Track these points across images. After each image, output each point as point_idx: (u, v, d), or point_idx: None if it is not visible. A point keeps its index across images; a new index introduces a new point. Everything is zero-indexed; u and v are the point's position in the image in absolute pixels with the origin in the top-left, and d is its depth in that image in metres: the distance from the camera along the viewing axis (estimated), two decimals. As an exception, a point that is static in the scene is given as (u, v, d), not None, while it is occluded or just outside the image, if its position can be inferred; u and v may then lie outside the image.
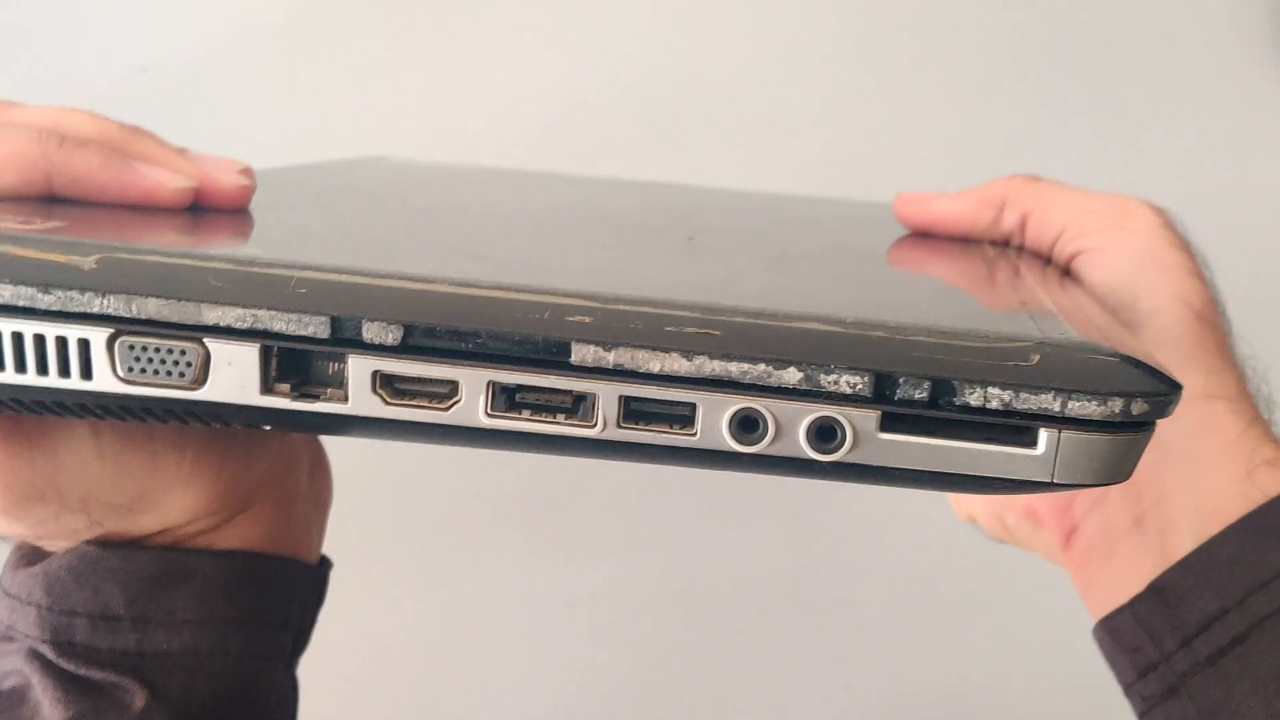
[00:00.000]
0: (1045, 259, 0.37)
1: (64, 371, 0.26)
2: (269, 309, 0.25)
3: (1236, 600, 0.33)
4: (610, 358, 0.25)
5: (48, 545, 0.33)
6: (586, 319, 0.25)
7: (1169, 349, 0.35)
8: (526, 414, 0.26)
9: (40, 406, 0.26)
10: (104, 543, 0.33)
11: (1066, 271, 0.37)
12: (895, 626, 0.76)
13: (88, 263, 0.25)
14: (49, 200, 0.30)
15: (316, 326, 0.25)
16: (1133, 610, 0.35)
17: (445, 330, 0.25)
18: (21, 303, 0.25)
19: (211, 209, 0.32)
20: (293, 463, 0.37)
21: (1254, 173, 0.72)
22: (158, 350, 0.25)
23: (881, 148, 0.71)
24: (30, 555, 0.33)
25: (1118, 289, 0.36)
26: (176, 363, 0.25)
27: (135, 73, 0.68)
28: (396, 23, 0.70)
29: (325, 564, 0.39)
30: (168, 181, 0.31)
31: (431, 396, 0.26)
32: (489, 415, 0.25)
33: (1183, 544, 0.34)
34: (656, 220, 0.39)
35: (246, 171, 0.33)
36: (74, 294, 0.25)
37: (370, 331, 0.25)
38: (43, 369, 0.26)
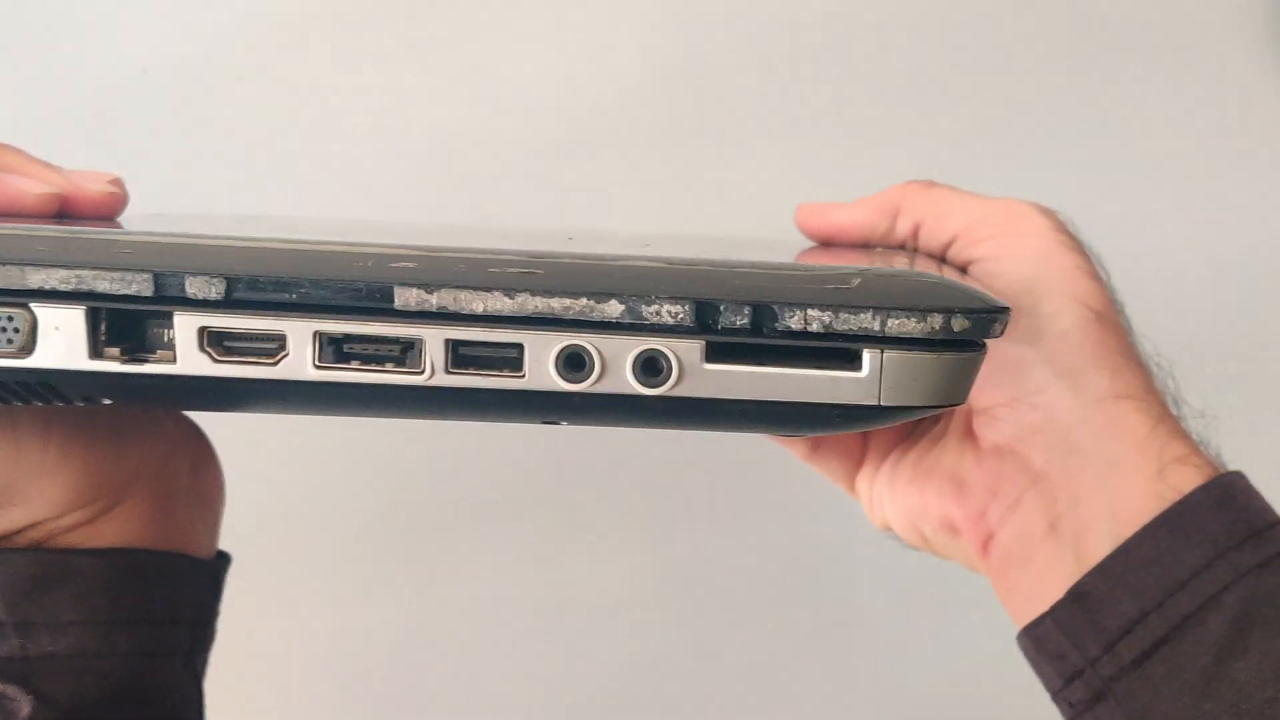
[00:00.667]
0: (939, 264, 0.38)
1: None
2: (92, 269, 0.25)
3: (1156, 603, 0.33)
4: (434, 299, 0.25)
5: None
6: (410, 264, 0.25)
7: (1071, 352, 0.35)
8: (355, 364, 0.25)
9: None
10: None
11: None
12: (898, 626, 0.76)
13: None
14: None
15: (140, 284, 0.25)
16: (1054, 617, 0.35)
17: (269, 281, 0.25)
18: None
19: (80, 217, 0.32)
20: (169, 455, 0.36)
21: (1254, 173, 0.72)
22: None
23: (882, 148, 0.71)
24: None
25: (1016, 295, 0.36)
26: (3, 329, 0.25)
27: (135, 73, 0.68)
28: (398, 22, 0.69)
29: (222, 558, 0.38)
30: (31, 188, 0.31)
31: (260, 353, 0.25)
32: (317, 366, 0.25)
33: (1099, 547, 0.34)
34: (538, 230, 0.39)
35: (116, 182, 0.33)
36: None
37: (194, 286, 0.25)
38: None
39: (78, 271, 0.25)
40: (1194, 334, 0.69)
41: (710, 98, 0.71)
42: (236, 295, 0.25)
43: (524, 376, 0.25)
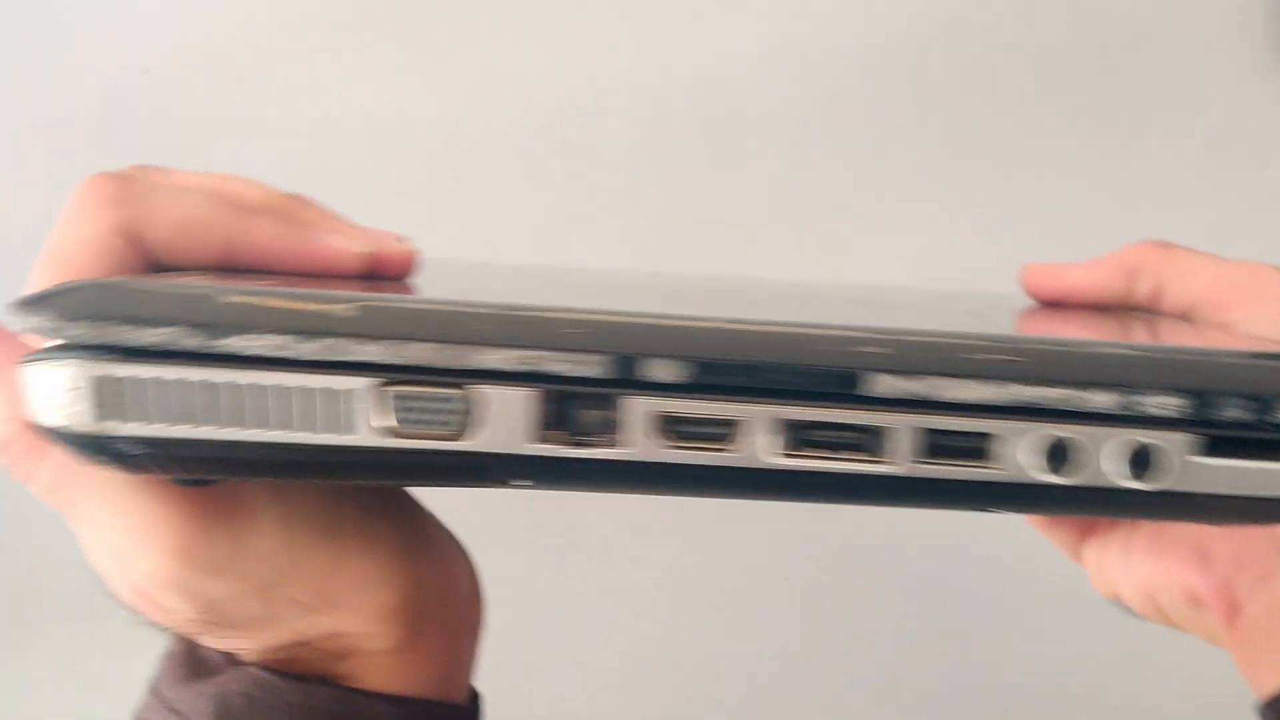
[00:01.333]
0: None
1: (327, 424, 0.24)
2: (544, 349, 0.23)
3: None
4: (909, 386, 0.23)
5: (211, 639, 0.30)
6: (880, 349, 0.23)
7: None
8: (815, 452, 0.24)
9: (294, 468, 0.25)
10: (283, 671, 0.31)
11: None
12: (901, 629, 0.76)
13: (347, 309, 0.23)
14: (223, 270, 0.29)
15: (597, 367, 0.23)
16: None
17: (732, 365, 0.24)
18: (280, 354, 0.23)
19: (381, 276, 0.31)
20: (458, 580, 0.34)
21: (1254, 173, 0.72)
22: (423, 398, 0.24)
23: (882, 149, 0.71)
24: (194, 666, 0.31)
25: None
26: (442, 411, 0.24)
27: (136, 73, 0.68)
28: (398, 22, 0.69)
29: (476, 703, 0.36)
30: (350, 247, 0.30)
31: (714, 438, 0.24)
32: (778, 455, 0.24)
33: None
34: (796, 293, 0.38)
35: (405, 239, 0.32)
36: (337, 341, 0.23)
37: (653, 369, 0.24)
38: (304, 423, 0.24)
39: (530, 353, 0.24)
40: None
41: (710, 98, 0.71)
42: (696, 379, 0.24)
43: (1001, 468, 0.24)
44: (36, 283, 0.28)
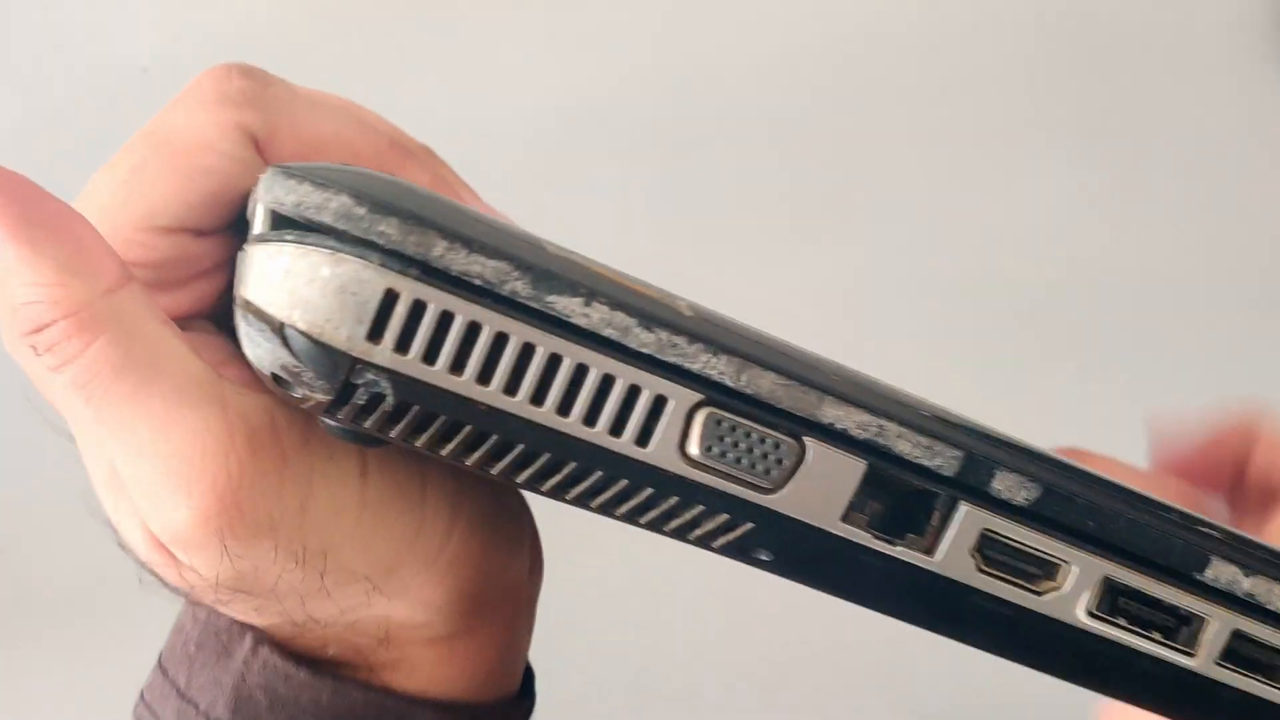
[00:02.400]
0: None
1: (615, 428, 0.20)
2: (901, 424, 0.21)
3: None
4: (1246, 584, 0.22)
5: (237, 609, 0.25)
6: (1220, 537, 0.22)
7: None
8: (1123, 622, 0.22)
9: (550, 465, 0.21)
10: (311, 659, 0.26)
11: None
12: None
13: (688, 309, 0.20)
14: None
15: (945, 460, 0.21)
16: None
17: (1082, 504, 0.21)
18: (612, 334, 0.20)
19: None
20: (523, 561, 0.29)
21: (1254, 173, 0.72)
22: (749, 435, 0.20)
23: (882, 150, 0.71)
24: (210, 642, 0.27)
25: None
26: (765, 456, 0.20)
27: (135, 73, 0.68)
28: (398, 22, 0.69)
29: (528, 688, 0.31)
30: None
31: (1028, 575, 0.22)
32: (1090, 614, 0.22)
33: None
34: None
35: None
36: (678, 340, 0.20)
37: (1002, 483, 0.21)
38: (590, 418, 0.20)
39: (883, 422, 0.21)
40: (1194, 334, 0.69)
41: (710, 99, 0.71)
42: (1040, 508, 0.21)
43: None
44: (121, 163, 0.25)
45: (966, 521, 0.21)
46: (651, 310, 0.20)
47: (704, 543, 0.21)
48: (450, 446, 0.20)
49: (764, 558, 0.22)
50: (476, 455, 0.20)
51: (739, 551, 0.21)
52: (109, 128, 0.71)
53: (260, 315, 0.20)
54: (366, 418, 0.20)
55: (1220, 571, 0.22)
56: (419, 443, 0.20)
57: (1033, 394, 0.66)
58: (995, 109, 0.72)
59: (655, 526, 0.21)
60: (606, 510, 0.21)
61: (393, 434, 0.20)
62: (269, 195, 0.20)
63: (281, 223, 0.20)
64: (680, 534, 0.21)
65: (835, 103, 0.71)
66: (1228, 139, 0.72)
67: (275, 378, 0.20)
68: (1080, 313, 0.69)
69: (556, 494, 0.21)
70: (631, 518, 0.21)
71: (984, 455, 0.21)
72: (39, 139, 0.67)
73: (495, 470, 0.21)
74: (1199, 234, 0.71)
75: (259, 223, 0.21)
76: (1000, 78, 0.72)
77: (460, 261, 0.19)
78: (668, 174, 0.70)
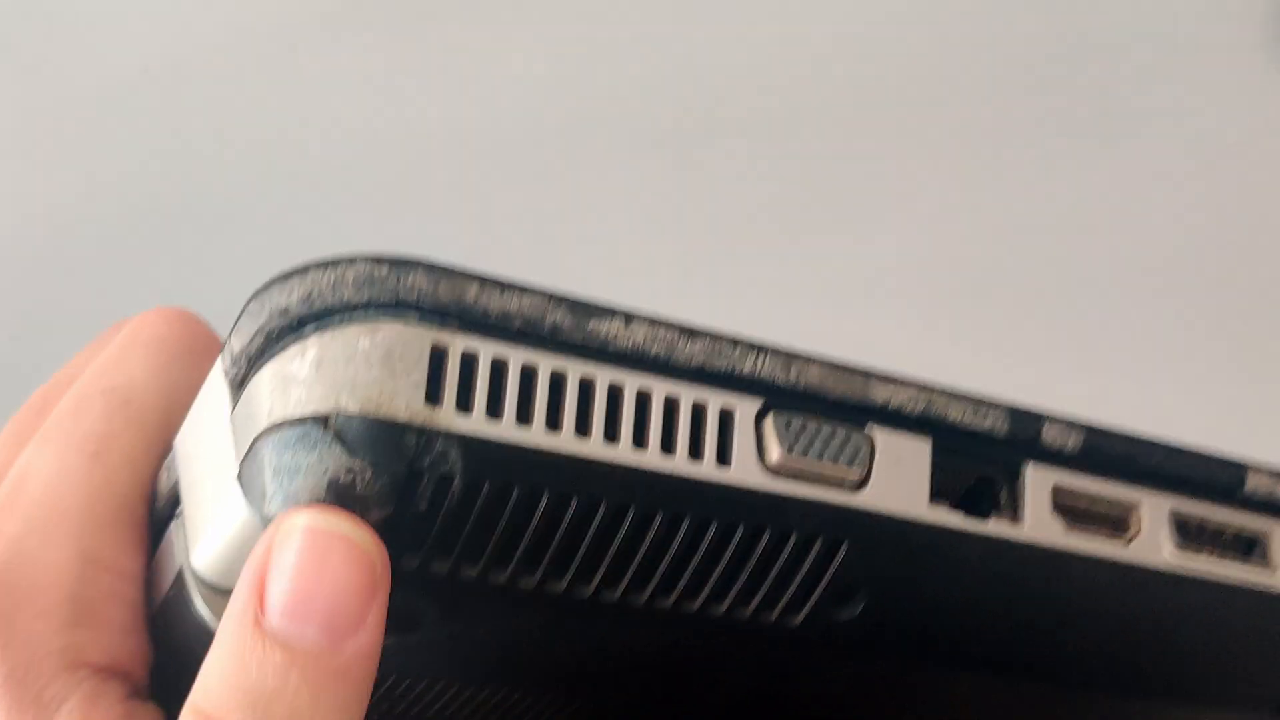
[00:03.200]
0: None
1: (694, 451, 0.18)
2: (942, 393, 0.20)
3: None
4: None
5: None
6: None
7: None
8: (1206, 552, 0.21)
9: (649, 509, 0.18)
10: None
11: None
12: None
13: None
14: None
15: (996, 420, 0.20)
16: None
17: (1123, 442, 0.20)
18: (660, 351, 0.18)
19: None
20: None
21: (1254, 173, 0.72)
22: (819, 431, 0.19)
23: (882, 149, 0.71)
24: None
25: None
26: (842, 449, 0.19)
27: (135, 73, 0.68)
28: (398, 22, 0.69)
29: None
30: None
31: (1106, 524, 0.21)
32: (1175, 550, 0.21)
33: None
34: None
35: None
36: (722, 346, 0.19)
37: (1051, 433, 0.20)
38: (667, 445, 0.18)
39: (929, 394, 0.20)
40: (1194, 334, 0.69)
41: (713, 98, 0.71)
42: (1089, 452, 0.20)
43: None
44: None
45: (1036, 481, 0.20)
46: (683, 323, 0.19)
47: (793, 607, 0.19)
48: (525, 543, 0.18)
49: (852, 606, 0.19)
50: (555, 548, 0.18)
51: (829, 603, 0.19)
52: (108, 128, 0.71)
53: (298, 424, 0.17)
54: (433, 519, 0.17)
55: (1258, 483, 0.21)
56: (487, 554, 0.18)
57: (1031, 395, 0.66)
58: (994, 108, 0.72)
59: (742, 597, 0.19)
60: (687, 593, 0.19)
61: (459, 545, 0.18)
62: (263, 315, 0.18)
63: (288, 332, 0.18)
64: (769, 600, 0.19)
65: (835, 102, 0.71)
66: (1227, 139, 0.72)
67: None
68: (1079, 312, 0.69)
69: (635, 589, 0.19)
70: (717, 589, 0.19)
71: (1024, 409, 0.20)
72: (39, 139, 0.67)
73: (573, 568, 0.18)
74: (1199, 234, 0.71)
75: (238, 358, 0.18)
76: (999, 77, 0.72)
77: (497, 303, 0.18)
78: (669, 174, 0.70)
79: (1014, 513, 0.20)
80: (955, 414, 0.20)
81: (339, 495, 0.17)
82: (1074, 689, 0.22)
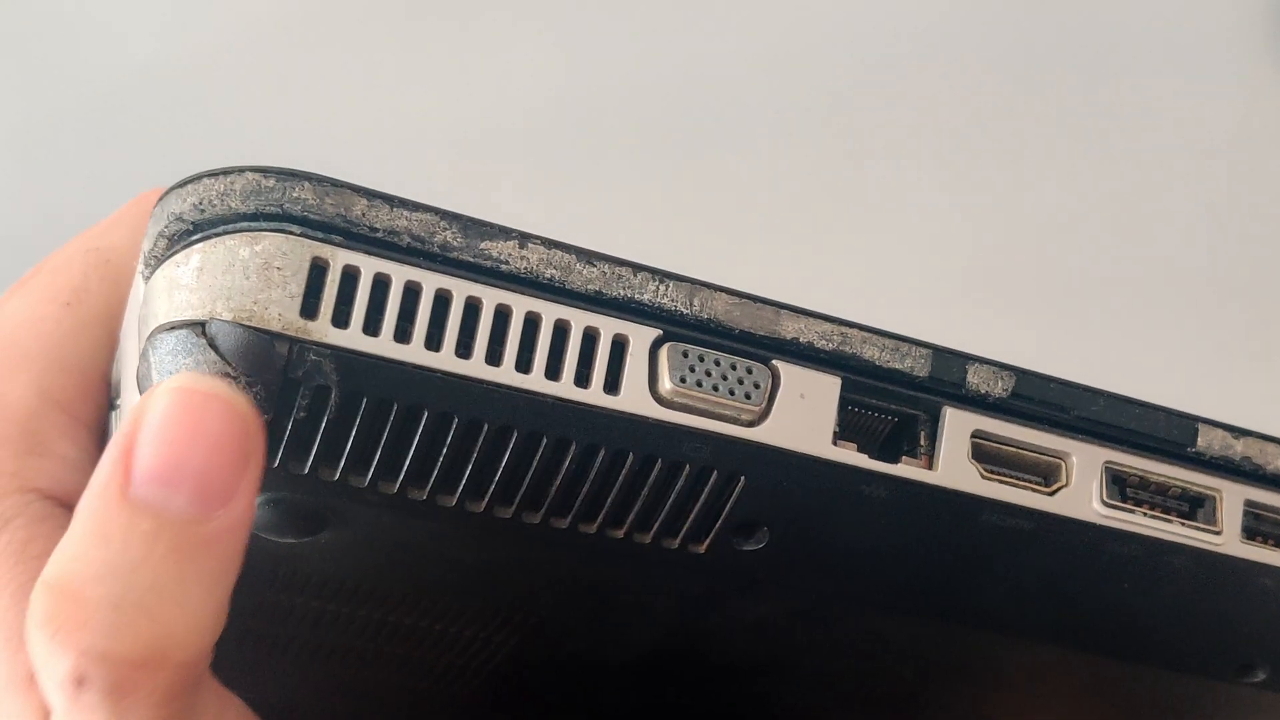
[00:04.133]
0: None
1: (580, 379, 0.18)
2: (861, 329, 0.19)
3: None
4: (1239, 447, 0.20)
5: None
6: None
7: None
8: (1143, 510, 0.20)
9: (534, 433, 0.18)
10: None
11: None
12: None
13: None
14: None
15: (915, 359, 0.19)
16: None
17: (1057, 389, 0.20)
18: (554, 275, 0.18)
19: None
20: None
21: (1254, 173, 0.72)
22: (718, 364, 0.19)
23: (882, 149, 0.71)
24: None
25: None
26: (740, 382, 0.19)
27: (135, 73, 0.68)
28: (397, 22, 0.69)
29: None
30: None
31: (1030, 474, 0.20)
32: (1104, 504, 0.20)
33: None
34: None
35: None
36: (622, 271, 0.18)
37: (976, 376, 0.19)
38: (552, 371, 0.18)
39: (845, 330, 0.19)
40: (1193, 334, 0.69)
41: (713, 98, 0.71)
42: (1019, 399, 0.20)
43: None
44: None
45: (955, 425, 0.19)
46: (586, 248, 0.19)
47: (692, 538, 0.19)
48: (410, 457, 0.18)
49: (757, 539, 0.19)
50: (441, 464, 0.18)
51: (732, 534, 0.19)
52: (108, 128, 0.71)
53: (176, 328, 0.17)
54: (315, 427, 0.17)
55: (1211, 439, 0.20)
56: (374, 465, 0.18)
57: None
58: (993, 108, 0.72)
59: (639, 523, 0.19)
60: (581, 516, 0.19)
61: (345, 455, 0.18)
62: (162, 220, 0.18)
63: (182, 237, 0.18)
64: (668, 528, 0.19)
65: (836, 102, 0.71)
66: (1227, 139, 0.72)
67: None
68: (1078, 312, 0.69)
69: (527, 509, 0.19)
70: (612, 515, 0.19)
71: (949, 350, 0.20)
72: (38, 139, 0.67)
73: (462, 485, 0.18)
74: (1198, 234, 0.71)
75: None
76: (998, 77, 0.72)
77: (384, 218, 0.18)
78: (668, 174, 0.70)
79: (929, 458, 0.19)
80: (870, 353, 0.19)
81: None
82: (997, 635, 0.22)
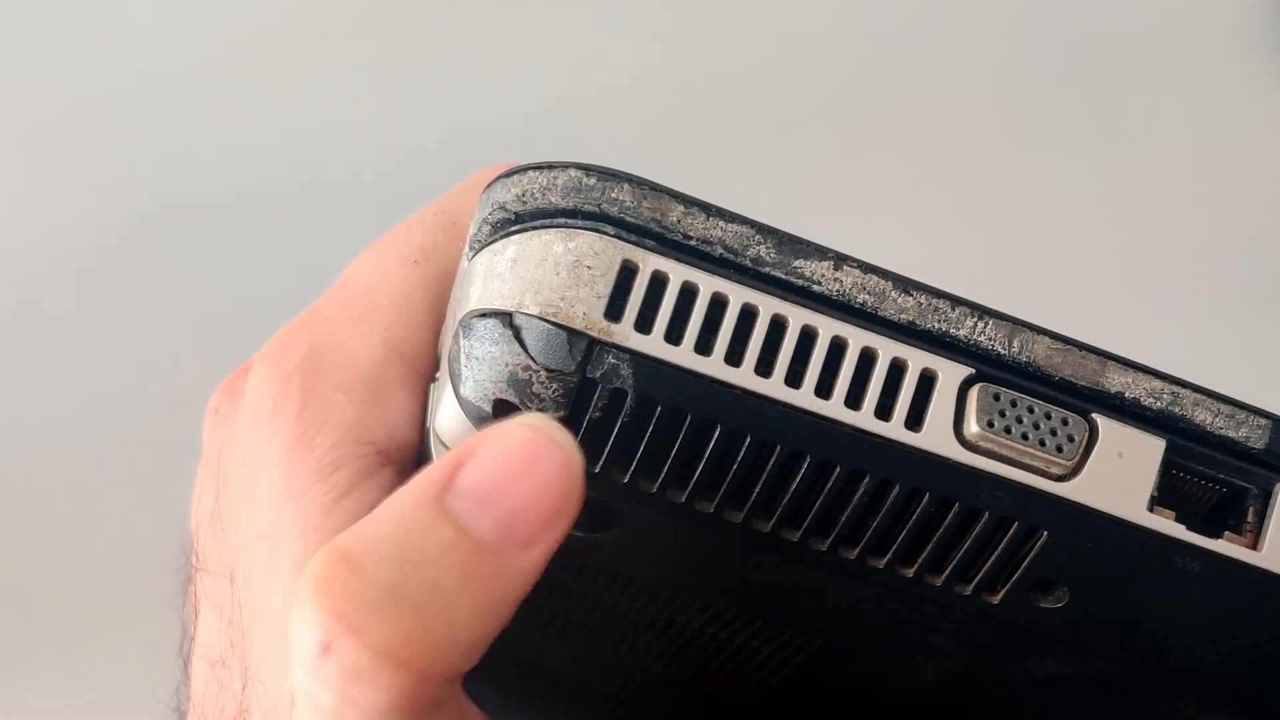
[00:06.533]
0: None
1: (882, 410, 0.17)
2: (1196, 390, 0.18)
3: None
4: None
5: None
6: None
7: None
8: None
9: (825, 459, 0.18)
10: None
11: None
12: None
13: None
14: None
15: (1254, 430, 0.18)
16: None
17: None
18: (867, 300, 0.18)
19: None
20: None
21: (1254, 173, 0.72)
22: (1031, 411, 0.18)
23: (883, 148, 0.71)
24: None
25: None
26: (1053, 433, 0.17)
27: (136, 73, 0.68)
28: (398, 23, 0.69)
29: None
30: None
31: None
32: None
33: None
34: None
35: None
36: (940, 304, 0.18)
37: None
38: (853, 400, 0.17)
39: (1177, 389, 0.18)
40: (1193, 335, 0.69)
41: (713, 98, 0.71)
42: None
43: None
44: (404, 242, 0.24)
45: None
46: (904, 276, 0.18)
47: (986, 587, 0.18)
48: (701, 470, 0.17)
49: (1055, 598, 0.18)
50: (731, 480, 0.17)
51: (1029, 589, 0.18)
52: (108, 128, 0.71)
53: (486, 316, 0.17)
54: (606, 434, 0.17)
55: None
56: (665, 469, 0.18)
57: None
58: (992, 108, 0.72)
59: (931, 564, 0.18)
60: (870, 549, 0.18)
61: (637, 459, 0.17)
62: (488, 207, 0.19)
63: (503, 226, 0.18)
64: (961, 573, 0.18)
65: (834, 103, 0.71)
66: (1226, 139, 0.72)
67: (499, 403, 0.18)
68: (1078, 313, 0.69)
69: (814, 535, 0.18)
70: (903, 552, 0.18)
71: None
72: (39, 139, 0.67)
73: (750, 504, 0.18)
74: (1198, 234, 0.71)
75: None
76: (997, 77, 0.72)
77: (699, 227, 0.18)
78: (671, 173, 0.70)
79: (1255, 536, 0.18)
80: (1202, 417, 0.18)
81: (518, 391, 0.17)
82: None
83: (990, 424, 0.17)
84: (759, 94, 0.71)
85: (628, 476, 0.18)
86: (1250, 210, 0.72)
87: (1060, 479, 0.18)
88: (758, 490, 0.18)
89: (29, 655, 0.73)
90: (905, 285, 0.18)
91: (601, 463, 0.18)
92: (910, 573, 0.18)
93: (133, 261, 0.66)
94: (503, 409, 0.18)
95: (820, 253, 0.18)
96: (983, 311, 0.18)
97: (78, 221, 0.66)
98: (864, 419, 0.17)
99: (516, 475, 0.17)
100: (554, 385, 0.17)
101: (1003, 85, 0.72)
